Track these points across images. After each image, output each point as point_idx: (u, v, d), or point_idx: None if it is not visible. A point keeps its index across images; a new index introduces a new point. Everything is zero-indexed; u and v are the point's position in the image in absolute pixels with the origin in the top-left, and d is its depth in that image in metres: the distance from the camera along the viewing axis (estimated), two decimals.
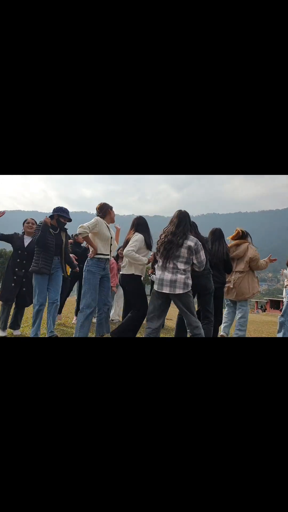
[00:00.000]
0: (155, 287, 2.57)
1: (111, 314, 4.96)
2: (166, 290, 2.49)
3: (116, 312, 4.99)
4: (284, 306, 3.80)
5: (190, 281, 2.53)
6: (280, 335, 3.70)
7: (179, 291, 2.46)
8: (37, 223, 3.21)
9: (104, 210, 2.96)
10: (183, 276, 2.48)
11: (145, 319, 2.75)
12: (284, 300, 3.90)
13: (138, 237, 2.80)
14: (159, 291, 2.53)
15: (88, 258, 2.85)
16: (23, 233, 3.32)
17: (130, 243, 2.77)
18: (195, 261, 2.55)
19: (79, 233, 2.73)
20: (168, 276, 2.49)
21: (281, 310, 3.87)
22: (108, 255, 2.88)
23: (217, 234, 3.28)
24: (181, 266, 2.49)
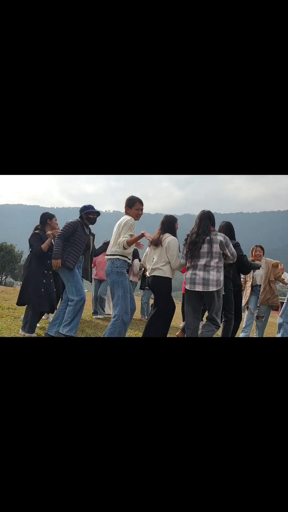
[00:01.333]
0: (187, 286, 2.53)
1: (105, 308, 5.06)
2: (199, 288, 2.49)
3: (110, 306, 5.07)
4: (283, 308, 3.79)
5: (222, 279, 2.53)
6: (279, 335, 3.72)
7: (212, 288, 2.47)
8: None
9: (133, 202, 2.74)
10: (215, 273, 2.49)
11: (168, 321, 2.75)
12: (284, 301, 3.90)
13: (176, 245, 2.71)
14: (192, 290, 2.52)
15: (115, 259, 2.57)
16: (40, 230, 3.02)
17: (173, 253, 2.66)
18: (228, 254, 2.57)
19: (125, 247, 2.54)
20: (200, 274, 2.50)
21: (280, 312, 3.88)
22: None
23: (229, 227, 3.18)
24: (213, 263, 2.50)
